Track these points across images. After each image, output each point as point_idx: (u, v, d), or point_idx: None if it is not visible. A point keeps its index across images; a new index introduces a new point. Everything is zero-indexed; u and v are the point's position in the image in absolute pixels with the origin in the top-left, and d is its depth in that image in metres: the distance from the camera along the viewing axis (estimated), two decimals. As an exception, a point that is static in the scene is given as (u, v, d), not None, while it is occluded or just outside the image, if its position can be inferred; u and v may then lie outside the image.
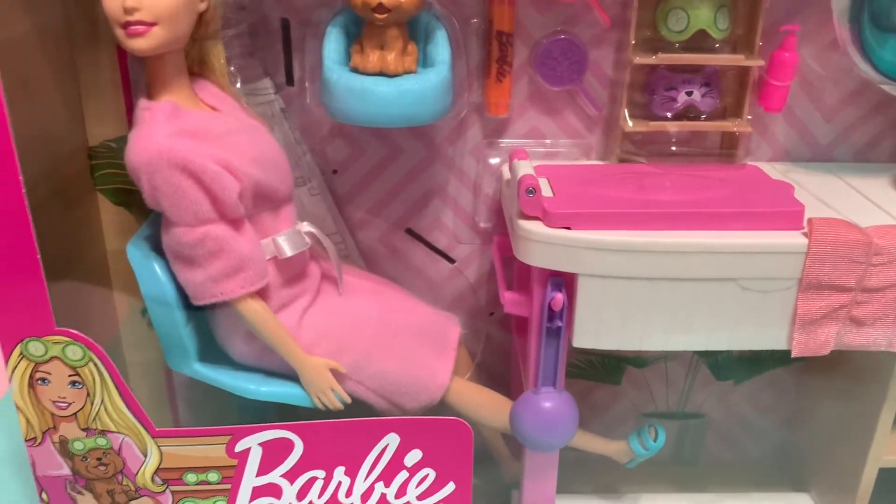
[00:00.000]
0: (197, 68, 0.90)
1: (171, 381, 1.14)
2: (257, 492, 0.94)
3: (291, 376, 0.93)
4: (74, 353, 0.87)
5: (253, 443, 0.92)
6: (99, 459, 0.93)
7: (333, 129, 1.06)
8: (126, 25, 0.79)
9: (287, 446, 0.92)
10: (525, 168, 0.95)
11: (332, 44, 0.93)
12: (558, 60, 1.01)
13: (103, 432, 0.92)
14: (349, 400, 0.93)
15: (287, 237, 0.91)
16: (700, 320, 0.88)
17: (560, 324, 0.90)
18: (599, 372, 1.20)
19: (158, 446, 0.92)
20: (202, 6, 0.84)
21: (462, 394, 0.99)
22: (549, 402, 0.94)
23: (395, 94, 0.90)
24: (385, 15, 0.89)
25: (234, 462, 0.93)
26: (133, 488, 0.95)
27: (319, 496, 0.95)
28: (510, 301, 0.95)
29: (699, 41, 0.98)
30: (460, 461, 0.94)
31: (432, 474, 0.95)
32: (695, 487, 1.19)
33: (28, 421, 0.91)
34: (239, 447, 0.92)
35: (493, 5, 0.97)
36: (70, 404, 0.90)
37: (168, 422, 1.15)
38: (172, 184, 0.81)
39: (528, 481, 1.01)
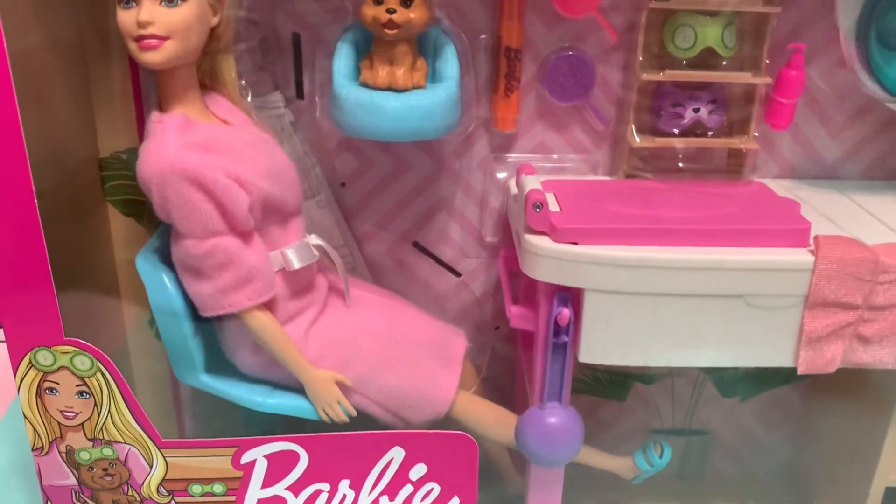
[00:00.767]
0: (208, 81, 0.90)
1: (178, 391, 1.15)
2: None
3: (298, 388, 0.93)
4: (83, 363, 0.88)
5: (258, 454, 0.92)
6: (105, 470, 0.93)
7: (342, 142, 1.06)
8: (139, 39, 0.80)
9: (292, 458, 0.92)
10: (532, 183, 0.96)
11: (343, 59, 0.94)
12: (566, 76, 1.02)
13: (110, 442, 0.92)
14: (355, 413, 0.93)
15: (295, 249, 0.92)
16: (706, 337, 0.88)
17: (566, 339, 0.90)
18: (605, 388, 1.20)
19: (164, 457, 0.92)
20: (214, 21, 0.85)
21: (467, 408, 0.99)
22: (555, 418, 0.94)
23: (404, 109, 0.91)
24: (395, 31, 0.90)
25: (240, 474, 0.93)
26: (138, 499, 0.95)
27: (324, 509, 0.95)
28: (516, 315, 0.95)
29: (706, 58, 0.99)
30: (465, 476, 0.94)
31: (437, 488, 0.95)
32: (700, 504, 1.19)
33: (35, 430, 0.91)
34: (244, 459, 0.92)
35: (501, 21, 0.98)
36: (77, 414, 0.90)
37: (174, 432, 1.15)
38: (183, 196, 0.82)
39: (532, 496, 1.01)
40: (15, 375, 0.88)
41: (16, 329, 0.86)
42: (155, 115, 0.85)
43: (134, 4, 0.80)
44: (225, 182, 0.83)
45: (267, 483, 0.93)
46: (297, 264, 0.91)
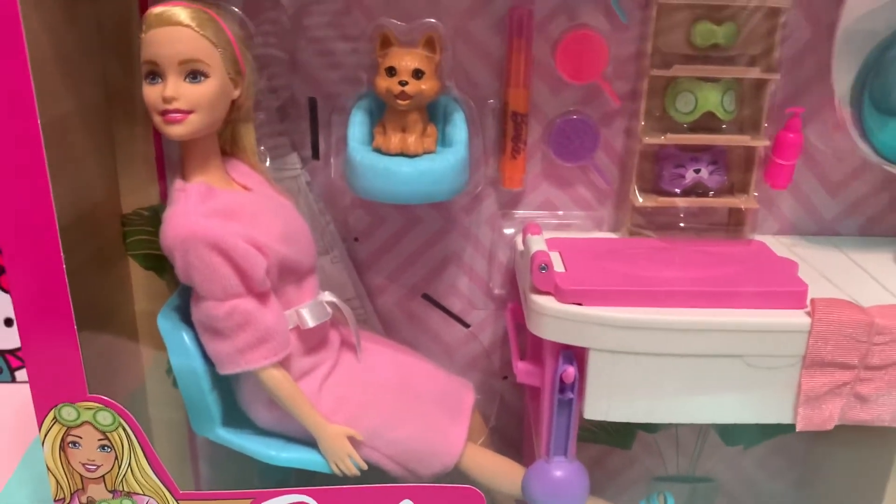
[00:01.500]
0: (229, 148, 0.94)
1: (194, 438, 1.17)
2: (276, 554, 0.97)
3: (311, 442, 0.96)
4: (105, 418, 0.91)
5: (273, 506, 0.94)
6: (125, 520, 0.96)
7: (355, 199, 1.10)
8: (164, 113, 0.84)
9: (306, 510, 0.95)
10: (538, 244, 0.99)
11: (357, 126, 0.98)
12: (571, 139, 1.05)
13: (129, 494, 0.95)
14: (365, 467, 0.96)
15: (309, 308, 0.95)
16: (707, 395, 0.90)
17: (571, 395, 0.92)
18: (611, 436, 1.22)
19: (182, 508, 0.95)
20: (236, 94, 0.88)
21: (476, 460, 1.01)
22: (561, 472, 0.96)
23: (415, 174, 0.95)
24: (407, 102, 0.94)
25: (255, 524, 0.95)
26: (156, 549, 0.98)
27: (335, 559, 0.97)
28: (523, 371, 0.98)
29: (707, 121, 1.01)
30: (473, 528, 0.96)
31: (445, 540, 0.97)
32: (705, 551, 1.20)
33: (58, 482, 0.94)
34: (259, 510, 0.95)
35: (508, 88, 1.02)
36: (99, 467, 0.93)
37: (190, 481, 1.17)
38: (205, 261, 0.85)
39: (539, 547, 1.03)
40: (39, 429, 0.91)
41: (41, 384, 0.90)
42: (178, 184, 0.89)
43: (160, 80, 0.84)
44: (244, 247, 0.86)
45: (281, 533, 0.96)
46: (311, 323, 0.94)
